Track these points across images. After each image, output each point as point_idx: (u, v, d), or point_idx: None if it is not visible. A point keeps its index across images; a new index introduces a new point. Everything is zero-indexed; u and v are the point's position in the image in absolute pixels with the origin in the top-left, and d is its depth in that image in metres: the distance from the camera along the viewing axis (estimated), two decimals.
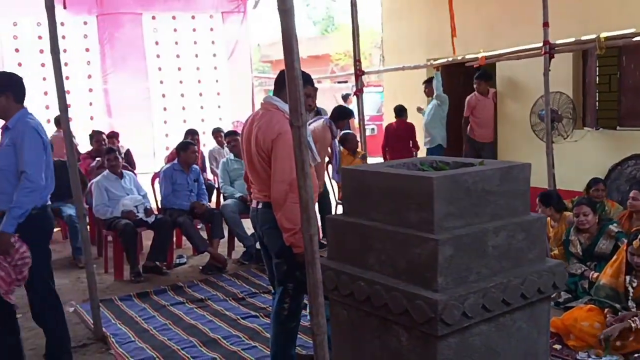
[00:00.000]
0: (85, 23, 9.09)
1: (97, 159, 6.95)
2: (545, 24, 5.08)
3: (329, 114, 6.59)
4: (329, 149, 6.34)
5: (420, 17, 8.89)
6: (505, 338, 2.40)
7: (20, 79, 3.61)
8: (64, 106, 4.11)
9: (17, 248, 3.33)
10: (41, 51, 8.86)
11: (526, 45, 5.71)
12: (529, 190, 2.57)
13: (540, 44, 5.26)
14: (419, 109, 8.24)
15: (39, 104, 8.92)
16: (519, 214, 2.48)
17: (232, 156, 6.62)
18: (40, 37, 8.83)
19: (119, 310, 4.78)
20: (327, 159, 6.52)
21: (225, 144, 7.25)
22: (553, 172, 5.35)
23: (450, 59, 6.96)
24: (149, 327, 4.40)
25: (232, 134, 6.86)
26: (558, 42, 5.32)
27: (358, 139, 6.90)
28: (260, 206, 3.26)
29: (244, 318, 4.51)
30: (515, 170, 2.49)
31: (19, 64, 8.85)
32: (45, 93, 8.88)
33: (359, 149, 6.79)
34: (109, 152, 6.07)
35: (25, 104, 8.71)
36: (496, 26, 7.46)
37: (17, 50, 8.86)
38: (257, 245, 6.11)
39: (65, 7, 7.95)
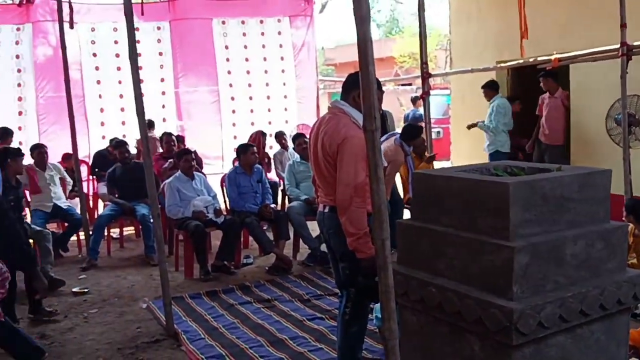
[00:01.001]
0: (158, 28, 9.40)
1: (170, 160, 7.18)
2: (623, 25, 4.88)
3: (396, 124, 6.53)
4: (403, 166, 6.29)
5: (489, 18, 8.71)
6: (582, 350, 2.32)
7: None
8: (140, 109, 4.26)
9: None
10: (117, 55, 9.23)
11: (601, 46, 5.50)
12: (609, 197, 2.48)
13: (617, 46, 5.05)
14: (470, 126, 8.04)
15: (115, 107, 9.32)
16: (599, 222, 2.40)
17: (298, 158, 6.69)
18: (116, 42, 9.20)
19: (189, 307, 4.92)
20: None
21: (293, 146, 7.33)
22: (630, 178, 5.13)
23: (521, 61, 6.78)
24: (218, 325, 4.50)
25: (300, 136, 6.93)
26: (636, 43, 5.09)
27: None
28: (326, 210, 3.28)
29: (310, 320, 4.55)
30: (596, 176, 2.40)
31: (97, 68, 9.26)
32: (121, 96, 9.25)
33: (426, 153, 6.71)
34: (184, 154, 6.24)
35: (104, 105, 9.13)
36: (569, 27, 7.21)
37: (94, 54, 9.25)
38: (322, 248, 6.18)
39: (142, 14, 8.26)
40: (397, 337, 2.19)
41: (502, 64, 7.35)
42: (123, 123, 9.33)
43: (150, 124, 8.47)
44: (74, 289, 5.45)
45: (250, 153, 6.30)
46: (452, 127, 10.59)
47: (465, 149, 9.35)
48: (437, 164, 7.12)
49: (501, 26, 8.17)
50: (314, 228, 6.15)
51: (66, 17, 7.05)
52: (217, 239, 6.20)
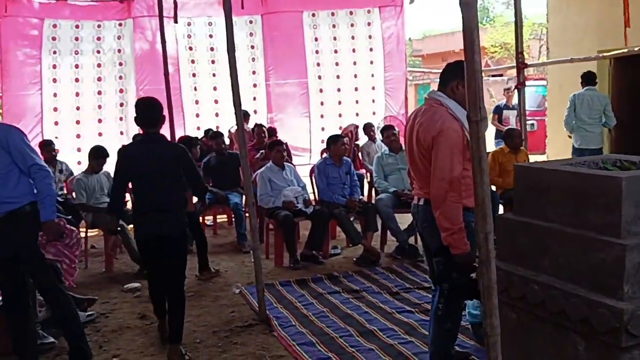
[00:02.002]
0: (251, 22, 9.63)
1: (261, 151, 7.34)
2: None
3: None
4: None
5: (590, 6, 8.28)
6: None
7: None
8: (238, 101, 4.38)
9: (67, 230, 3.54)
10: (211, 49, 9.56)
11: None
12: None
13: None
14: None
15: (209, 99, 9.64)
16: None
17: (387, 150, 6.66)
18: (211, 36, 9.52)
19: (280, 294, 5.03)
20: None
21: (381, 138, 7.30)
22: None
23: (625, 51, 6.40)
24: (308, 313, 4.57)
25: (388, 128, 6.89)
26: None
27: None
28: (421, 202, 3.23)
29: (399, 312, 4.53)
30: None
31: (192, 61, 9.61)
32: (215, 88, 9.57)
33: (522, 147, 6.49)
34: (275, 145, 6.37)
35: (199, 97, 9.35)
36: None
37: (190, 48, 9.61)
38: (410, 241, 6.13)
39: (242, 7, 8.45)
40: (498, 333, 2.14)
41: (605, 54, 6.97)
42: (216, 114, 9.66)
43: (246, 115, 8.71)
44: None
45: (341, 144, 6.33)
46: (548, 120, 10.19)
47: (561, 142, 8.96)
48: (532, 158, 6.86)
49: (603, 14, 7.75)
50: (402, 221, 6.15)
51: (168, 13, 7.32)
52: (306, 229, 6.29)
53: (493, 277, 2.07)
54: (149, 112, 3.89)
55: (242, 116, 4.48)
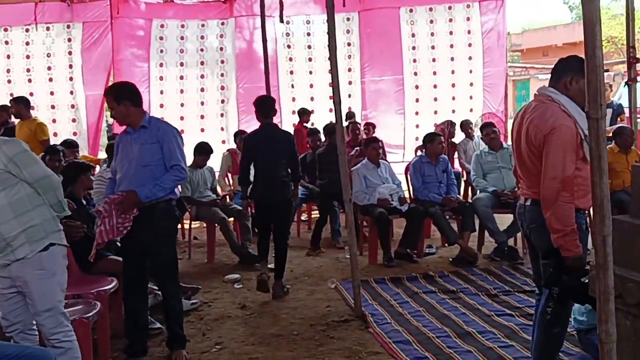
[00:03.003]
0: (348, 19, 9.66)
1: (356, 148, 7.37)
2: None
3: None
4: None
5: None
6: None
7: (134, 85, 3.93)
8: (338, 98, 4.42)
9: (130, 216, 3.66)
10: (309, 47, 9.72)
11: None
12: None
13: None
14: None
15: (305, 96, 9.80)
16: None
17: (486, 148, 6.48)
18: (308, 34, 9.67)
19: (375, 292, 5.03)
20: None
21: (480, 136, 7.11)
22: None
23: None
24: (404, 311, 4.55)
25: (488, 125, 6.70)
26: None
27: None
28: (528, 203, 3.12)
29: (498, 315, 4.40)
30: None
31: (290, 59, 9.80)
32: (311, 86, 9.72)
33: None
34: (371, 142, 6.38)
35: (296, 95, 9.50)
36: None
37: (288, 46, 9.80)
38: (509, 242, 5.94)
39: (344, 5, 8.55)
40: (614, 340, 2.03)
41: None
42: (312, 112, 9.77)
43: (350, 115, 8.81)
44: (268, 265, 5.84)
45: (437, 143, 6.24)
46: None
47: None
48: None
49: None
50: (501, 222, 5.98)
51: (270, 12, 7.46)
52: (400, 227, 6.26)
53: (610, 282, 1.98)
54: (266, 106, 5.14)
55: (341, 112, 4.50)
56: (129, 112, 3.71)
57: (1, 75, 9.21)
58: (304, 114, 8.97)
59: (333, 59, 4.40)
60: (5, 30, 9.16)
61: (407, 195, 6.59)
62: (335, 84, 4.42)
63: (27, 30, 9.15)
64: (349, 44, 9.75)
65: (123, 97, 3.68)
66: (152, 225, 3.71)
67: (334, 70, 4.42)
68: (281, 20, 7.67)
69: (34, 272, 2.89)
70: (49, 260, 2.93)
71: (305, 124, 8.83)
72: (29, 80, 9.19)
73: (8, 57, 9.22)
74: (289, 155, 5.07)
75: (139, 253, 3.76)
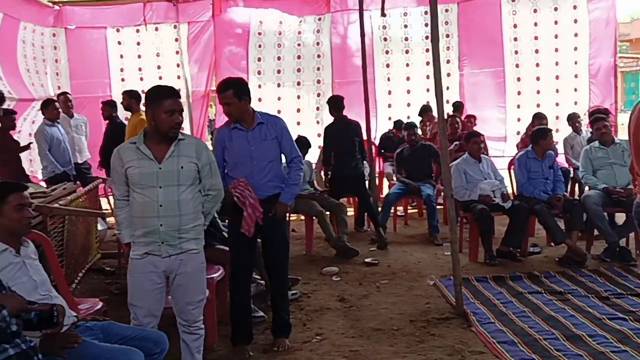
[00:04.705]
0: (446, 10, 9.44)
1: (455, 142, 7.22)
2: None
3: None
4: None
5: None
6: None
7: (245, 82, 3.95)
8: (440, 90, 4.35)
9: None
10: (405, 39, 9.64)
11: None
12: None
13: None
14: None
15: (402, 89, 9.72)
16: None
17: (596, 143, 6.13)
18: (405, 26, 9.58)
19: (476, 290, 4.91)
20: None
21: (590, 130, 6.75)
22: None
23: None
24: (508, 311, 4.40)
25: (600, 119, 6.31)
26: None
27: None
28: None
29: (610, 319, 4.17)
30: None
31: (386, 52, 9.75)
32: (407, 78, 9.66)
33: None
34: (472, 136, 6.22)
35: (392, 88, 9.50)
36: None
37: (385, 39, 9.75)
38: (621, 243, 5.61)
39: None
40: None
41: None
42: (408, 105, 9.70)
43: (426, 109, 8.66)
44: (366, 260, 5.87)
45: (550, 138, 5.97)
46: None
47: None
48: None
49: None
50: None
51: (365, 6, 7.45)
52: (501, 224, 6.06)
53: None
54: (338, 103, 6.73)
55: (443, 105, 4.43)
56: (247, 108, 3.78)
57: (116, 74, 9.79)
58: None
59: (435, 50, 4.33)
60: (118, 30, 9.73)
61: (510, 191, 6.38)
62: (437, 76, 4.34)
63: (137, 31, 9.69)
64: (447, 36, 9.55)
65: (244, 93, 3.75)
66: (270, 219, 3.82)
67: (435, 62, 4.34)
68: (382, 14, 7.62)
69: (197, 265, 3.20)
70: (204, 257, 3.25)
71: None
72: (141, 79, 9.70)
73: (121, 56, 9.79)
74: (358, 139, 6.57)
75: (248, 243, 3.86)
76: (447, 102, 9.49)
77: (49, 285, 2.94)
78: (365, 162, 6.92)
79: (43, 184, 6.48)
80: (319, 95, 9.78)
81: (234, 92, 3.70)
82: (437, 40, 4.35)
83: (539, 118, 7.80)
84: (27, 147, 6.82)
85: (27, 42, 8.84)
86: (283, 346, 3.93)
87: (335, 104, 6.72)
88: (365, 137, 7.06)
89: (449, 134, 7.80)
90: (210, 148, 3.67)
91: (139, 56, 9.82)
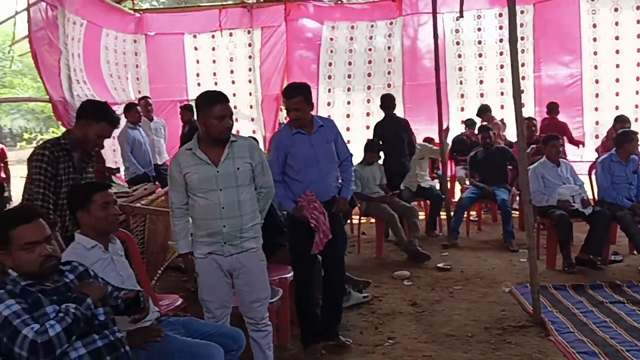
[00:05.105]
0: (522, 12, 9.19)
1: (532, 146, 7.03)
2: None
3: None
4: None
5: None
6: None
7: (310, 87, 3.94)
8: (517, 93, 4.29)
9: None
10: (479, 42, 9.49)
11: None
12: None
13: None
14: None
15: (475, 92, 9.57)
16: None
17: None
18: (479, 29, 9.44)
19: (554, 298, 4.76)
20: None
21: None
22: None
23: None
24: (588, 321, 4.24)
25: None
26: None
27: None
28: None
29: None
30: None
31: (459, 56, 9.62)
32: (481, 82, 9.53)
33: None
34: (550, 140, 6.03)
35: (465, 91, 9.37)
36: None
37: (457, 42, 9.61)
38: None
39: None
40: None
41: None
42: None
43: (485, 109, 8.48)
44: (438, 265, 5.80)
45: (636, 142, 5.71)
46: None
47: None
48: None
49: None
50: None
51: (437, 9, 7.37)
52: (581, 231, 5.83)
53: None
54: (390, 101, 6.94)
55: (521, 107, 4.33)
56: (310, 113, 3.86)
57: (192, 79, 10.12)
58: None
59: (513, 53, 4.24)
60: (194, 36, 10.05)
61: (591, 196, 6.14)
62: (515, 79, 4.26)
63: (212, 37, 9.98)
64: (522, 38, 9.26)
65: (311, 99, 3.82)
66: (332, 215, 3.87)
67: (514, 65, 4.25)
68: (460, 15, 7.52)
69: (258, 263, 3.29)
70: (263, 254, 3.35)
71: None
72: (215, 83, 9.95)
73: (197, 61, 10.10)
74: (407, 136, 6.80)
75: (310, 257, 3.89)
76: (523, 105, 9.27)
77: (134, 280, 3.06)
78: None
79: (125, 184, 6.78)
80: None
81: (304, 98, 3.75)
82: (515, 42, 4.26)
83: (621, 121, 7.47)
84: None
85: (110, 49, 9.25)
86: (341, 343, 3.98)
87: (388, 101, 6.92)
88: (437, 140, 7.00)
89: (526, 136, 7.61)
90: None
91: (214, 61, 10.10)
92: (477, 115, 8.80)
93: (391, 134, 6.64)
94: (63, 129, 6.64)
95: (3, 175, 7.71)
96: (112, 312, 2.48)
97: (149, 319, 2.82)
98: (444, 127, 7.22)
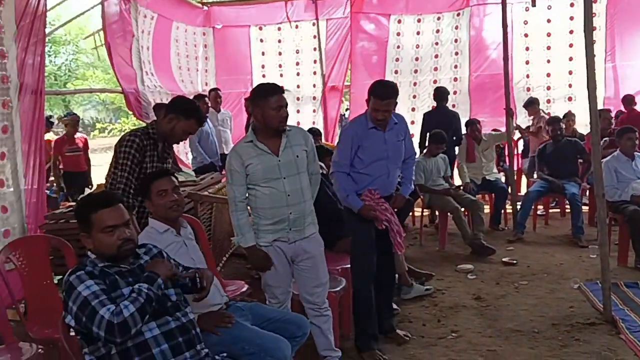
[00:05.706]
0: (594, 1, 8.85)
1: (605, 138, 6.77)
2: None
3: None
4: None
5: None
6: None
7: None
8: (592, 85, 4.18)
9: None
10: (548, 34, 9.20)
11: None
12: None
13: None
14: None
15: (542, 85, 9.30)
16: None
17: None
18: (549, 21, 9.14)
19: (626, 296, 4.59)
20: None
21: None
22: None
23: None
24: None
25: None
26: None
27: None
28: None
29: None
30: None
31: (527, 49, 9.35)
32: (548, 75, 9.27)
33: None
34: (626, 132, 5.78)
35: (531, 84, 9.07)
36: None
37: (526, 35, 9.33)
38: None
39: None
40: None
41: None
42: (548, 101, 9.26)
43: (533, 101, 8.42)
44: (503, 259, 5.70)
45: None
46: None
47: None
48: None
49: None
50: None
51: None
52: None
53: None
54: (444, 93, 7.43)
55: (595, 99, 4.19)
56: None
57: (257, 71, 10.25)
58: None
59: (589, 41, 4.11)
60: (260, 29, 10.18)
61: None
62: (590, 70, 4.12)
63: (279, 29, 10.08)
64: (594, 29, 8.95)
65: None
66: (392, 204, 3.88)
67: (590, 54, 4.12)
68: (533, 4, 7.30)
69: (319, 247, 3.39)
70: (321, 239, 3.42)
71: None
72: (281, 75, 10.06)
73: (263, 54, 10.23)
74: (454, 127, 7.09)
75: (373, 249, 3.86)
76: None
77: (204, 264, 3.16)
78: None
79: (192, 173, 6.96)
80: (455, 93, 9.50)
81: (395, 99, 3.71)
82: (590, 32, 4.14)
83: None
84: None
85: (180, 41, 9.50)
86: (399, 338, 3.99)
87: (441, 94, 7.43)
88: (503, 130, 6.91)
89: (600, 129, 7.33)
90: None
91: (280, 53, 10.19)
92: (524, 106, 8.60)
93: (437, 124, 6.77)
94: (133, 119, 6.88)
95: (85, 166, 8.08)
96: (183, 293, 2.54)
97: (218, 302, 2.91)
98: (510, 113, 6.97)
